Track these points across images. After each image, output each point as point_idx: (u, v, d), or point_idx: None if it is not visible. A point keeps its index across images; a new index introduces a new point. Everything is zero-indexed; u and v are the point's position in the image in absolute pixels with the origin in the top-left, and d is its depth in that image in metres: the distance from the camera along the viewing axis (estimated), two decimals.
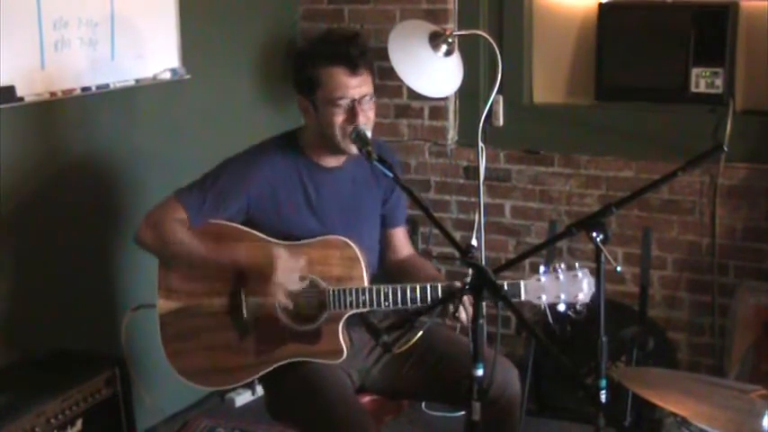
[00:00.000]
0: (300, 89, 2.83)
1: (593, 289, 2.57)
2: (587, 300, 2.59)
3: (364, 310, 2.70)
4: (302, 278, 2.74)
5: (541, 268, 2.62)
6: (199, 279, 2.81)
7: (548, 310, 2.61)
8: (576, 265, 2.62)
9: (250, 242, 2.80)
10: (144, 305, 2.97)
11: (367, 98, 2.75)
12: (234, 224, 2.83)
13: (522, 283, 2.62)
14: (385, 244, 3.02)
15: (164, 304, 2.83)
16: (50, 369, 3.14)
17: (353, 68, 2.72)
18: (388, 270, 3.00)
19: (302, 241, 2.79)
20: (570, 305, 2.60)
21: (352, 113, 2.72)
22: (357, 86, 2.73)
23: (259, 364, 2.80)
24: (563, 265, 2.61)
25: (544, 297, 2.60)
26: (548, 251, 3.97)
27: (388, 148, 2.98)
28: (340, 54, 2.72)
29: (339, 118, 2.73)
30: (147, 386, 3.34)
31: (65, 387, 3.02)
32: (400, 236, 3.05)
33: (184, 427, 3.81)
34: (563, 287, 2.60)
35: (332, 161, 2.87)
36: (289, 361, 2.78)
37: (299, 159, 2.87)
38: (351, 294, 2.71)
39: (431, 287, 2.68)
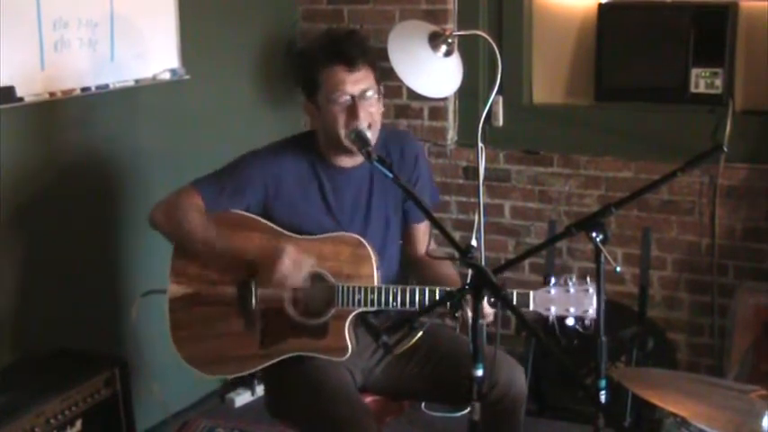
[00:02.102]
0: (305, 92, 2.84)
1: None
2: (596, 315, 2.57)
3: (372, 309, 2.69)
4: (311, 274, 2.73)
5: (552, 280, 2.60)
6: (210, 267, 2.81)
7: (556, 323, 2.60)
8: (588, 279, 2.60)
9: (264, 233, 2.80)
10: (154, 290, 2.97)
11: (368, 94, 2.74)
12: (249, 214, 2.83)
13: (531, 294, 2.60)
14: (405, 239, 3.01)
15: (174, 289, 2.83)
16: (50, 369, 3.15)
17: (350, 65, 2.72)
18: (406, 265, 3.00)
19: (315, 236, 2.79)
20: (579, 319, 2.58)
21: (353, 111, 2.71)
22: (355, 82, 2.72)
23: (264, 356, 2.80)
24: (574, 278, 2.59)
25: (553, 309, 2.58)
26: (547, 251, 3.97)
27: (408, 137, 3.00)
28: (336, 52, 2.73)
29: (341, 116, 2.72)
30: (150, 381, 3.35)
31: (65, 387, 3.02)
32: (421, 232, 3.02)
33: (184, 427, 3.81)
34: (572, 300, 2.57)
35: (348, 161, 2.86)
36: (293, 354, 2.78)
37: (318, 159, 2.87)
38: (359, 292, 2.70)
39: (440, 290, 2.67)
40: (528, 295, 2.60)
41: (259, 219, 2.83)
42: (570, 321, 2.58)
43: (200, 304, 2.82)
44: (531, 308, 2.60)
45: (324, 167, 2.87)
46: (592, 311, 2.56)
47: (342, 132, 2.73)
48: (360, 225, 2.87)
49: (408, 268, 3.00)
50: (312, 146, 2.88)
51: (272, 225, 2.81)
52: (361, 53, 2.75)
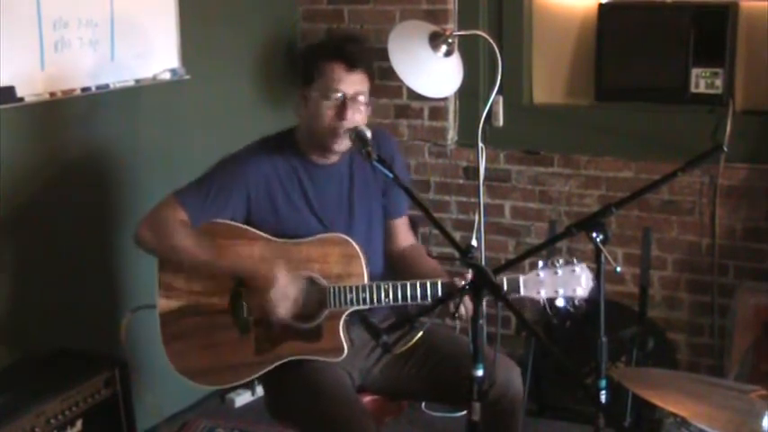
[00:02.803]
0: (301, 80, 2.85)
1: (591, 283, 2.60)
2: (585, 294, 2.61)
3: (364, 307, 2.70)
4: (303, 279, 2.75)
5: (540, 263, 2.64)
6: (199, 278, 2.81)
7: (547, 305, 2.62)
8: (574, 260, 2.63)
9: (251, 241, 2.79)
10: (143, 306, 2.96)
11: (360, 98, 2.76)
12: (236, 224, 2.82)
13: (521, 278, 2.64)
14: (386, 234, 3.02)
15: (164, 303, 2.82)
16: (50, 369, 3.15)
17: (350, 65, 2.76)
18: (388, 261, 3.01)
19: (302, 239, 2.80)
20: (569, 299, 2.62)
21: (341, 110, 2.73)
22: (351, 83, 2.75)
23: (260, 363, 2.80)
24: (561, 260, 2.63)
25: (543, 292, 2.62)
26: (548, 251, 3.97)
27: (385, 135, 2.99)
28: (340, 50, 2.77)
29: (329, 112, 2.74)
30: (147, 387, 3.34)
31: (65, 387, 3.02)
32: (401, 226, 3.04)
33: (184, 427, 3.81)
34: (561, 282, 2.61)
35: (326, 158, 2.87)
36: (289, 359, 2.78)
37: (296, 157, 2.87)
38: (351, 291, 2.71)
39: (431, 284, 2.68)
40: (518, 280, 2.63)
41: (246, 227, 2.82)
42: (560, 302, 2.60)
43: (191, 315, 2.81)
44: (522, 292, 2.63)
45: (303, 166, 2.87)
46: (580, 291, 2.61)
47: (325, 128, 2.75)
48: (344, 222, 2.88)
49: (387, 265, 3.00)
50: (290, 144, 2.88)
51: (258, 232, 2.81)
52: (363, 59, 2.79)
